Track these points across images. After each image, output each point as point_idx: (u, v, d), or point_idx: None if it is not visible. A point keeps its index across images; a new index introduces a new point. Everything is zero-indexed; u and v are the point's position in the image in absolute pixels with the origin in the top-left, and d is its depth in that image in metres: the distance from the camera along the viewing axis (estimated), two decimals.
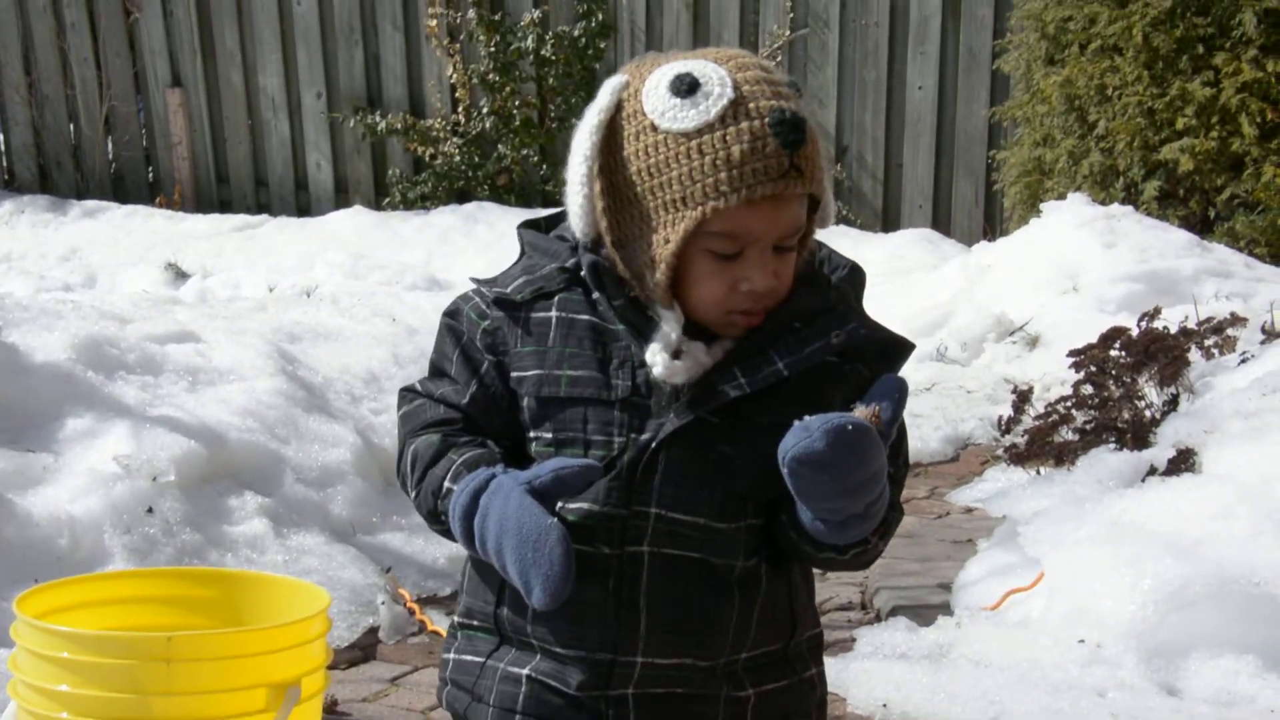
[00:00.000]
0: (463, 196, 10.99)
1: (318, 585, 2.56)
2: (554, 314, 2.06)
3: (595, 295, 2.04)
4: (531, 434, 2.06)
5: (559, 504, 1.99)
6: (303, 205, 11.68)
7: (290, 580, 2.64)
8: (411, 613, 4.35)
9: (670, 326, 2.00)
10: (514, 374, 2.06)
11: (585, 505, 2.01)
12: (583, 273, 2.05)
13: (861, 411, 1.91)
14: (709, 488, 2.01)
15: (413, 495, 2.11)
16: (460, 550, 2.09)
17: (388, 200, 11.19)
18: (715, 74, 1.97)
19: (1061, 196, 8.39)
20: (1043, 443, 5.25)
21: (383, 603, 4.31)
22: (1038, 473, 5.33)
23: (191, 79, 11.82)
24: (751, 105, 1.95)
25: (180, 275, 9.41)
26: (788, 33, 10.20)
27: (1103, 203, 8.19)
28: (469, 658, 2.10)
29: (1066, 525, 4.25)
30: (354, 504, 4.77)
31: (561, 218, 2.14)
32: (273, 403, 4.98)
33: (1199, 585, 3.80)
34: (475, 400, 2.09)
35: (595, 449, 2.01)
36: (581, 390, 2.03)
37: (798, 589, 2.12)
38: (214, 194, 11.94)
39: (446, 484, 2.03)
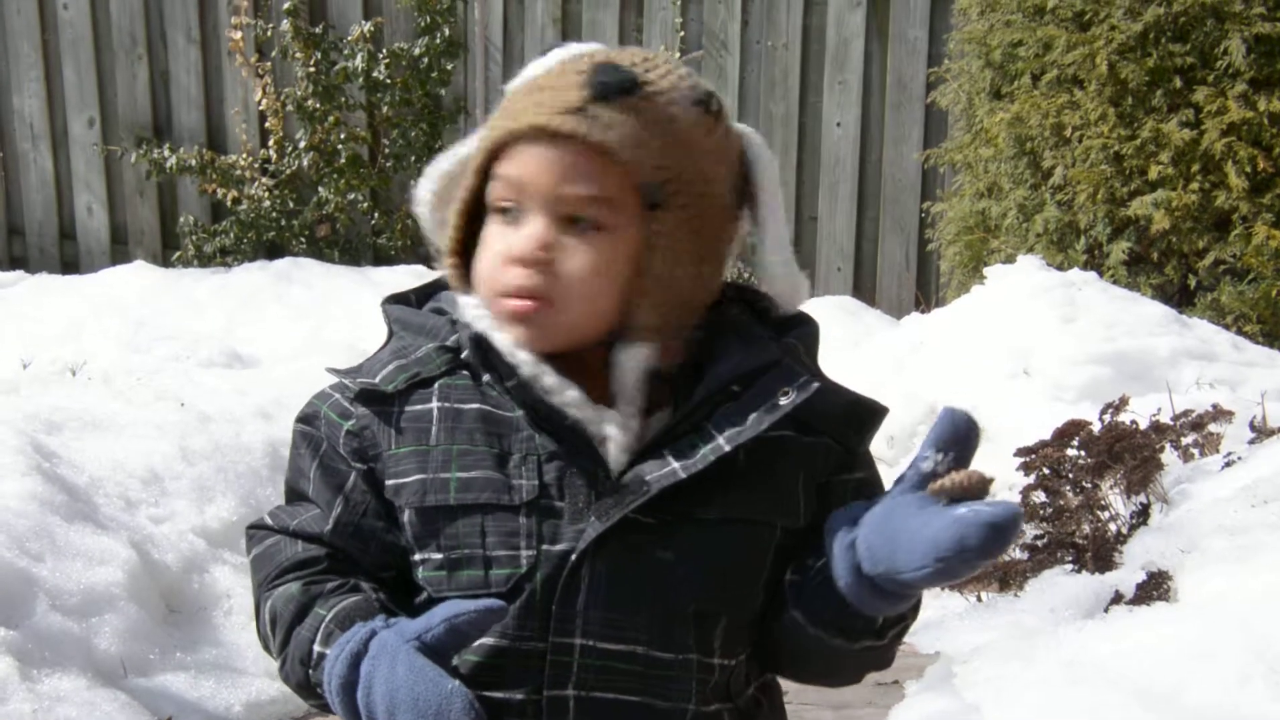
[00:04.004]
0: (273, 251, 10.94)
1: None
2: (435, 405, 2.06)
3: (485, 377, 2.05)
4: (417, 556, 2.05)
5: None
6: (69, 260, 11.55)
7: None
8: None
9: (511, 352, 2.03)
10: (389, 482, 2.06)
11: (492, 641, 2.00)
12: (464, 354, 2.06)
13: (939, 466, 1.93)
14: (646, 607, 2.00)
15: (278, 664, 2.09)
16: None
17: (178, 254, 11.11)
18: (590, 45, 2.09)
19: (1010, 259, 8.50)
20: None
21: None
22: (978, 599, 5.38)
23: None
24: (592, 58, 2.05)
25: None
26: (677, 55, 10.29)
27: (1060, 267, 8.31)
28: None
29: (1013, 665, 4.27)
30: (126, 637, 4.69)
31: (436, 288, 2.15)
32: (22, 509, 4.91)
33: None
34: (341, 526, 2.09)
35: (498, 567, 2.00)
36: (476, 495, 2.02)
37: None
38: None
39: (317, 649, 2.02)
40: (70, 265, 11.49)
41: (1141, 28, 8.30)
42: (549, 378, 2.01)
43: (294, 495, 2.15)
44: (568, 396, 2.01)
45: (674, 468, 1.99)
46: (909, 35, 10.07)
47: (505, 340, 2.03)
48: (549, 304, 2.01)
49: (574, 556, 1.99)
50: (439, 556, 2.03)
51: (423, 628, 1.92)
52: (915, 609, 2.07)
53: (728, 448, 1.99)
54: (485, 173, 2.06)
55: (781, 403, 2.01)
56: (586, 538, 1.99)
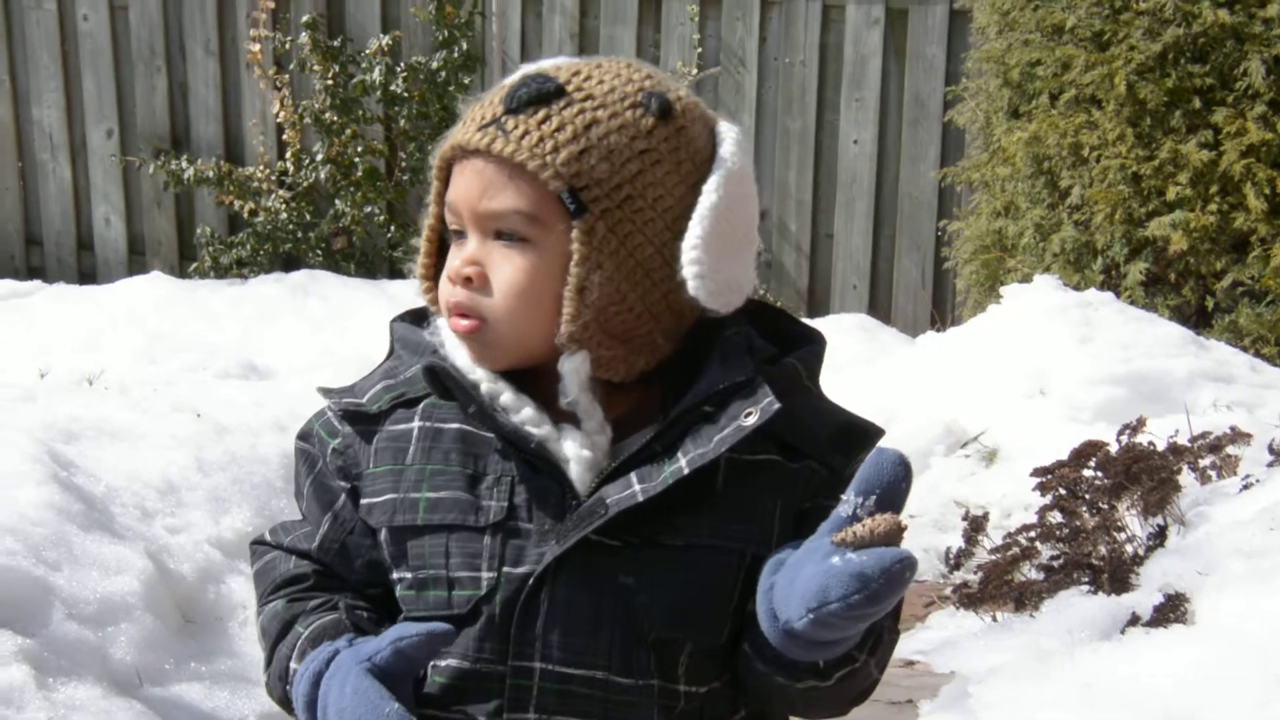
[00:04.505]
0: (290, 263, 10.94)
1: None
2: (416, 424, 2.08)
3: None
4: (394, 575, 2.07)
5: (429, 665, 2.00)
6: (86, 270, 11.57)
7: None
8: None
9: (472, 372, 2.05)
10: (364, 501, 2.08)
11: (455, 662, 2.00)
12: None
13: (861, 511, 1.86)
14: (606, 632, 2.00)
15: (264, 680, 2.13)
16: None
17: (195, 266, 11.12)
18: (550, 61, 2.11)
19: (1027, 279, 8.49)
20: (1000, 582, 5.29)
21: None
22: (994, 619, 5.36)
23: None
24: (523, 74, 2.07)
25: None
26: (694, 71, 10.30)
27: (1077, 287, 8.30)
28: None
29: (1028, 685, 4.26)
30: (141, 646, 4.69)
31: None
32: (40, 518, 4.90)
33: None
34: (328, 544, 2.11)
35: (460, 588, 2.01)
36: (443, 516, 2.03)
37: None
38: None
39: (292, 666, 2.06)
40: (88, 275, 11.51)
41: (1161, 48, 8.28)
42: (507, 395, 2.03)
43: (299, 511, 2.18)
44: (524, 414, 2.02)
45: (634, 490, 1.99)
46: (927, 53, 10.06)
47: (465, 360, 2.05)
48: (484, 321, 2.02)
49: (532, 580, 1.99)
50: (409, 576, 2.05)
51: (374, 650, 1.95)
52: (878, 648, 2.01)
53: (687, 470, 1.99)
54: (443, 196, 2.09)
55: (745, 423, 1.99)
56: (545, 560, 1.99)
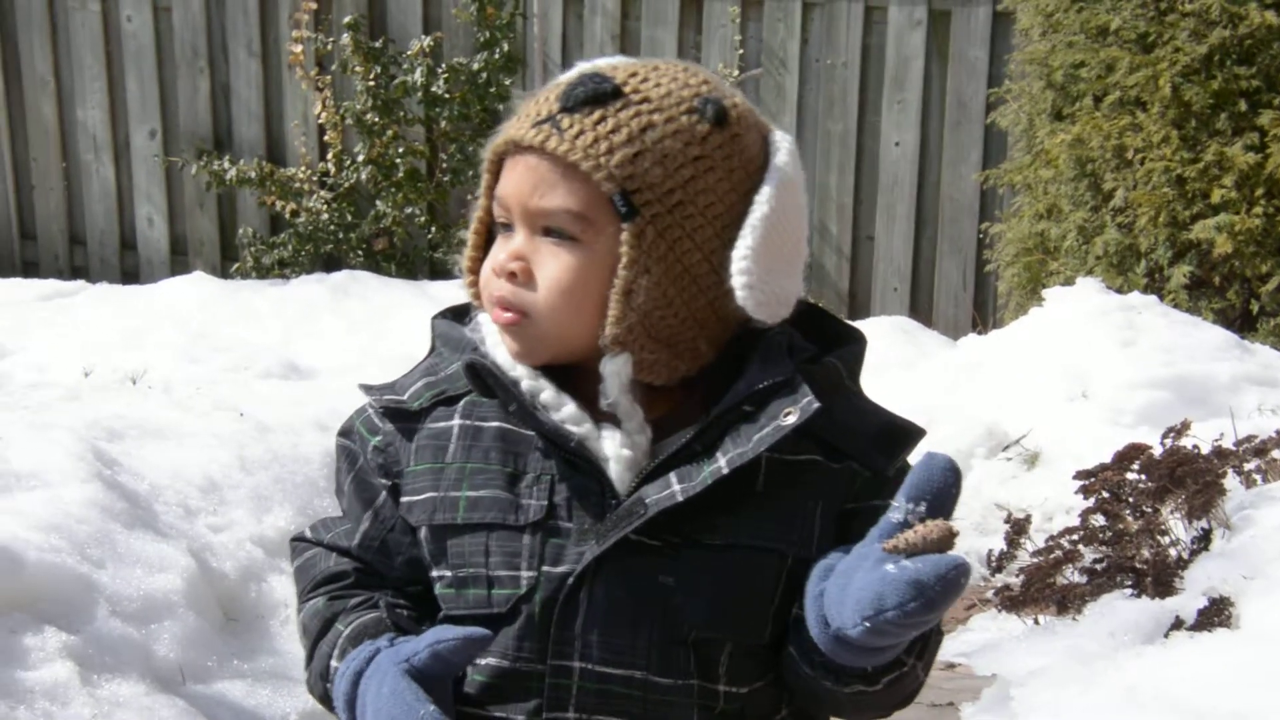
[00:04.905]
0: (331, 263, 10.98)
1: None
2: (457, 422, 2.08)
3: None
4: (433, 573, 2.07)
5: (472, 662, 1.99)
6: (129, 270, 11.62)
7: None
8: None
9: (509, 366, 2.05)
10: (404, 499, 2.08)
11: (494, 661, 2.00)
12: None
13: (912, 517, 1.85)
14: (645, 631, 2.00)
15: (305, 677, 2.14)
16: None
17: (237, 266, 11.16)
18: (609, 59, 2.10)
19: (1069, 281, 8.47)
20: (1042, 585, 5.27)
21: None
22: (1036, 622, 5.35)
23: None
24: (581, 72, 2.06)
25: None
26: (736, 73, 10.29)
27: (1120, 290, 8.27)
28: None
29: (1071, 689, 4.25)
30: (184, 644, 4.71)
31: None
32: (84, 515, 4.93)
33: None
34: (368, 541, 2.11)
35: (499, 587, 2.01)
36: (482, 514, 2.03)
37: None
38: (16, 254, 11.85)
39: (333, 664, 2.06)
40: (130, 275, 11.56)
41: (1206, 50, 8.25)
42: (547, 393, 2.02)
43: (339, 508, 2.19)
44: (565, 412, 2.02)
45: (674, 490, 1.98)
46: (969, 55, 10.03)
47: (505, 357, 2.05)
48: (527, 315, 2.02)
49: (572, 579, 1.99)
50: (449, 574, 2.05)
51: (412, 651, 1.95)
52: (925, 652, 2.01)
53: (726, 469, 1.98)
54: (494, 191, 2.08)
55: (785, 423, 1.99)
56: (585, 560, 1.99)
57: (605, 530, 1.99)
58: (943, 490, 1.84)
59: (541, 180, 2.00)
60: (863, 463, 2.05)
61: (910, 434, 2.08)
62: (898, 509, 1.85)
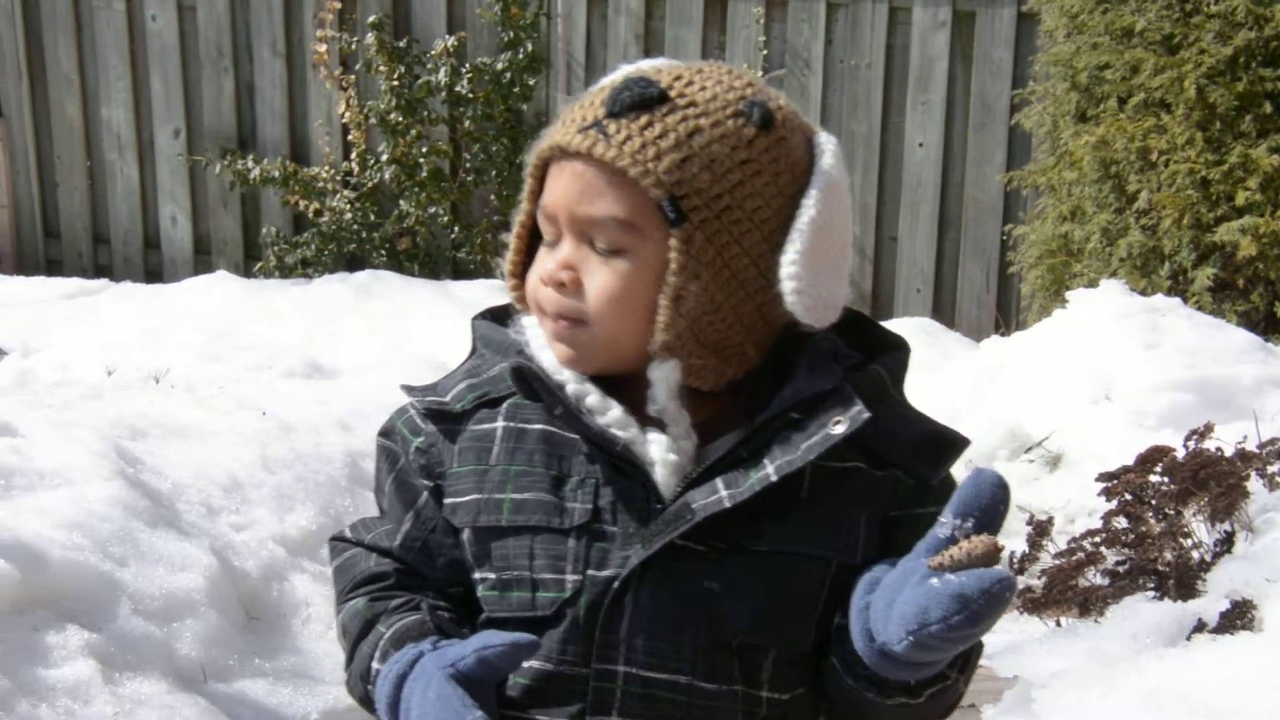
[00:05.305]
0: (354, 263, 11.00)
1: None
2: (500, 424, 2.08)
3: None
4: (476, 575, 2.07)
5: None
6: (153, 269, 11.65)
7: None
8: None
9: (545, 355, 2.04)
10: (447, 500, 2.08)
11: (538, 664, 2.00)
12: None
13: (959, 533, 1.85)
14: (690, 635, 1.99)
15: (345, 678, 2.13)
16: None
17: (260, 265, 11.18)
18: (654, 61, 2.09)
19: (1093, 284, 8.46)
20: (1064, 587, 5.27)
21: None
22: (1058, 624, 5.34)
23: (15, 107, 11.81)
24: (626, 75, 2.05)
25: None
26: (760, 74, 10.28)
27: (1144, 293, 8.26)
28: None
29: (1093, 691, 4.25)
30: (206, 642, 4.72)
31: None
32: (107, 514, 4.94)
33: None
34: (410, 541, 2.11)
35: (544, 590, 2.01)
36: (527, 517, 2.03)
37: None
38: (40, 252, 11.89)
39: (374, 666, 2.05)
40: (154, 274, 11.59)
41: (1232, 52, 8.23)
42: (593, 397, 2.02)
43: (377, 508, 2.18)
44: (611, 416, 2.01)
45: (721, 496, 1.98)
46: (993, 56, 10.02)
47: (551, 360, 2.04)
48: (581, 323, 2.01)
49: (617, 583, 1.99)
50: (492, 576, 2.05)
51: (458, 655, 1.94)
52: (967, 665, 2.02)
53: (775, 477, 1.98)
54: (537, 195, 2.06)
55: (834, 432, 1.99)
56: (630, 564, 1.98)
57: (651, 534, 1.98)
58: (990, 507, 1.84)
59: (588, 187, 1.99)
60: (907, 471, 2.05)
61: (955, 443, 2.08)
62: (944, 525, 1.85)
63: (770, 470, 1.98)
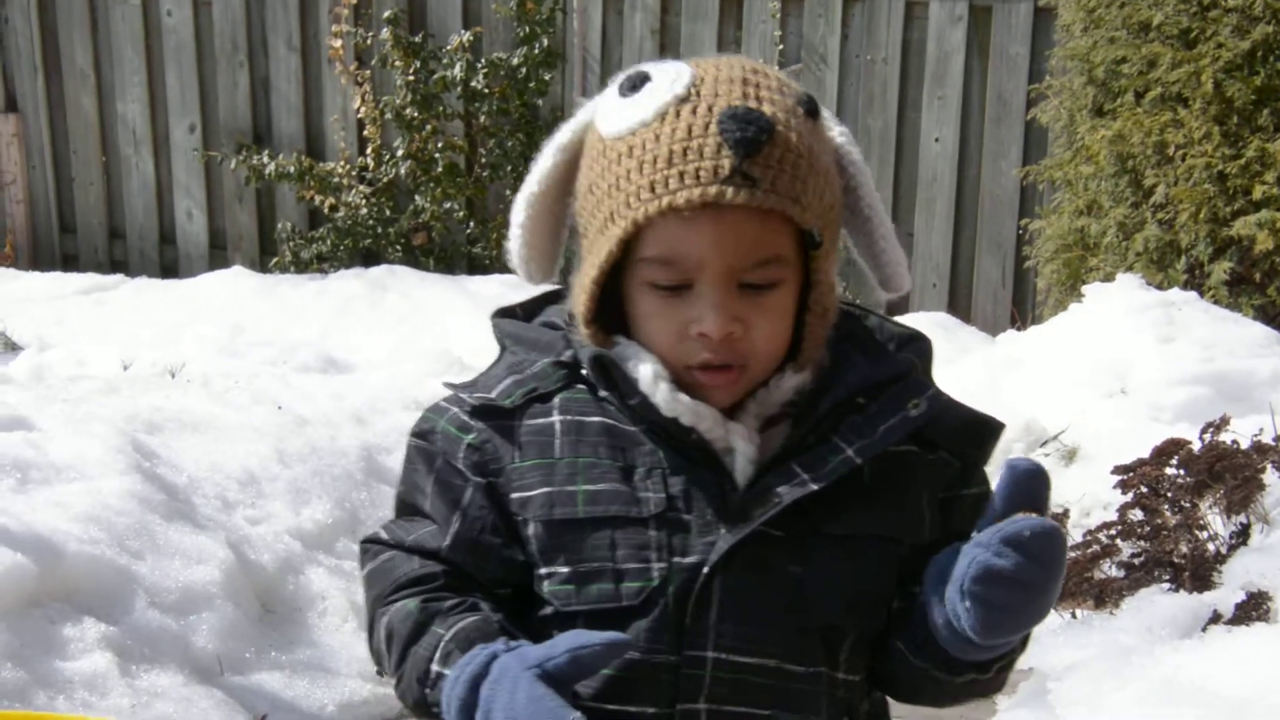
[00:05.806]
0: (369, 258, 11.01)
1: None
2: (556, 418, 2.06)
3: (603, 393, 2.05)
4: (542, 570, 2.05)
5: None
6: (168, 264, 11.67)
7: None
8: None
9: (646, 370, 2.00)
10: (514, 495, 2.05)
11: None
12: (584, 370, 2.05)
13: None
14: (778, 621, 2.00)
15: (394, 681, 2.08)
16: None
17: (276, 260, 11.20)
18: (674, 70, 2.01)
19: (1109, 278, 8.44)
20: (1080, 579, 5.27)
21: None
22: (1073, 615, 5.35)
23: (31, 103, 11.84)
24: (704, 102, 1.97)
25: (10, 347, 9.35)
26: (775, 68, 10.25)
27: (1160, 287, 8.24)
28: None
29: (1108, 683, 4.25)
30: (222, 635, 4.74)
31: (546, 301, 2.15)
32: (123, 507, 4.96)
33: None
34: (460, 542, 2.07)
35: (629, 580, 2.00)
36: (604, 508, 2.02)
37: None
38: (56, 247, 11.92)
39: (435, 668, 2.00)
40: (169, 269, 11.61)
41: (1249, 46, 8.21)
42: (684, 395, 2.00)
43: (408, 510, 2.14)
44: (701, 411, 2.00)
45: (804, 479, 1.98)
46: (1010, 51, 10.01)
47: (647, 371, 2.01)
48: (743, 369, 2.00)
49: (706, 569, 1.99)
50: (566, 570, 2.03)
51: (545, 655, 1.89)
52: (1024, 640, 2.04)
53: (858, 460, 1.99)
54: (625, 243, 1.99)
55: (912, 414, 2.02)
56: (718, 550, 1.98)
57: (736, 520, 1.99)
58: (1031, 491, 1.89)
59: (743, 234, 1.94)
60: (953, 453, 2.07)
61: (993, 427, 2.11)
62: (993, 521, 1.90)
63: (851, 453, 2.00)
